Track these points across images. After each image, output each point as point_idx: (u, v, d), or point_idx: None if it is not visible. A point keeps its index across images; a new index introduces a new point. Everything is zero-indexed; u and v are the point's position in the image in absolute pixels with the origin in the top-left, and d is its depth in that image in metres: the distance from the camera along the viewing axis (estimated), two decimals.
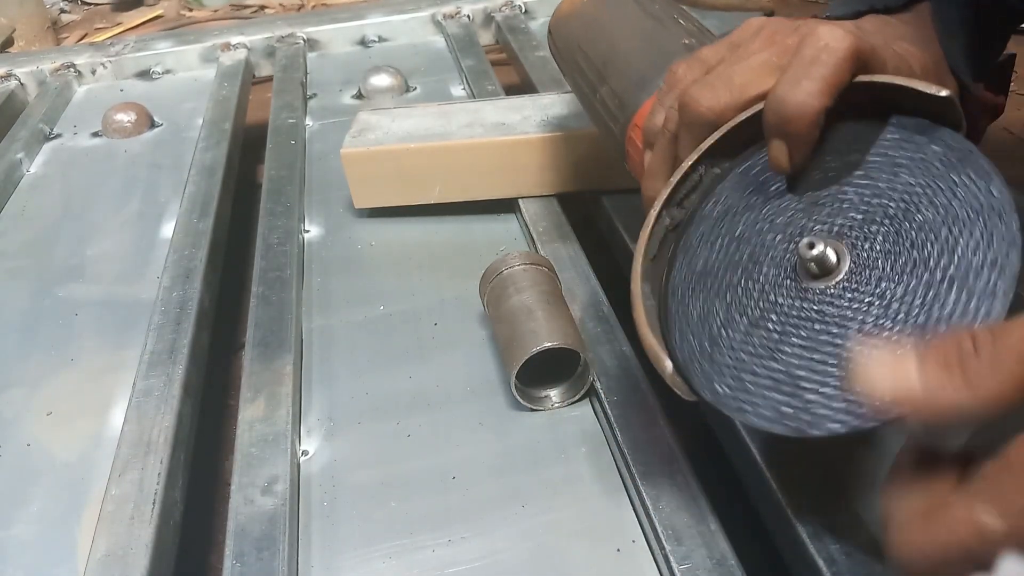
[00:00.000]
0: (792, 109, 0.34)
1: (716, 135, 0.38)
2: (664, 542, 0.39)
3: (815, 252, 0.33)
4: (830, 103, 0.35)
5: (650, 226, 0.39)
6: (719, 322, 0.36)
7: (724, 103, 0.38)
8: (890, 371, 0.26)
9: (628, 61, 0.50)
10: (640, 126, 0.45)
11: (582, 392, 0.49)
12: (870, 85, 0.35)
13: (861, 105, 0.36)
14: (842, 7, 0.50)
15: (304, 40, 1.07)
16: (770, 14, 0.95)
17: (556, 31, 0.59)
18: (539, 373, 0.49)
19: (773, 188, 0.38)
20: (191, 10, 1.96)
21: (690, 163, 0.39)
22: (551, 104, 0.70)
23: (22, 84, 1.05)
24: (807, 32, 0.35)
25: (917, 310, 0.31)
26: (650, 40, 0.51)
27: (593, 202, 0.69)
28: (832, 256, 0.33)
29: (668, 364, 0.35)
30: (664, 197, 0.39)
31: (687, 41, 0.49)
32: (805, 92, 0.34)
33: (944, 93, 0.33)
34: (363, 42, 1.08)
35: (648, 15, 0.52)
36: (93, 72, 1.06)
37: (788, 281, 0.35)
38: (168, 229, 0.71)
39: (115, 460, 0.48)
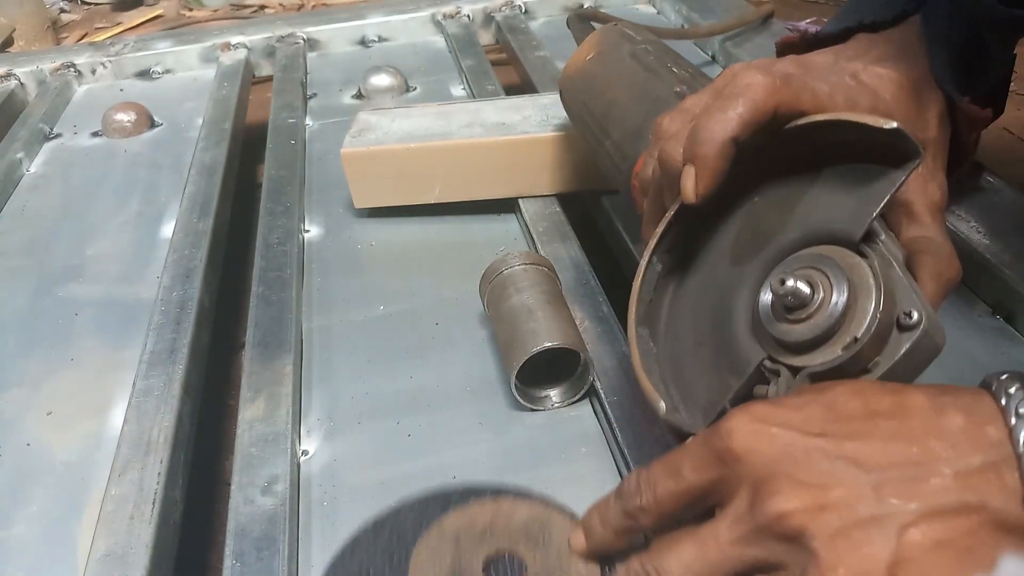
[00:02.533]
0: (702, 135, 0.37)
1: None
2: None
3: (788, 286, 0.35)
4: (740, 135, 0.37)
5: (642, 272, 0.41)
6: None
7: None
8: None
9: (625, 113, 0.53)
10: (638, 176, 0.47)
11: (582, 392, 0.49)
12: (819, 125, 0.37)
13: (822, 150, 0.38)
14: (833, 24, 0.51)
15: (304, 40, 1.07)
16: (771, 15, 0.95)
17: (564, 90, 0.62)
18: (539, 373, 0.49)
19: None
20: (191, 10, 1.96)
21: (672, 213, 0.41)
22: (551, 104, 0.70)
23: (22, 84, 1.05)
24: (733, 73, 0.38)
25: None
26: (644, 91, 0.53)
27: (593, 202, 0.69)
28: (805, 288, 0.35)
29: (662, 405, 0.38)
30: (652, 246, 0.42)
31: (678, 89, 0.51)
32: (716, 122, 0.37)
33: (890, 125, 0.35)
34: (363, 42, 1.08)
35: (643, 67, 0.55)
36: (93, 72, 1.06)
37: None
38: (168, 229, 0.71)
39: (115, 460, 0.48)
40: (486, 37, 1.08)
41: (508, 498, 0.42)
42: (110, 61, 1.05)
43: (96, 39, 1.76)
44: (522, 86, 0.96)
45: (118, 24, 1.91)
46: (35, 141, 0.90)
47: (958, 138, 0.48)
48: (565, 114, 0.68)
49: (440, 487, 0.45)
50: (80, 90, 1.04)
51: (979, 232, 0.57)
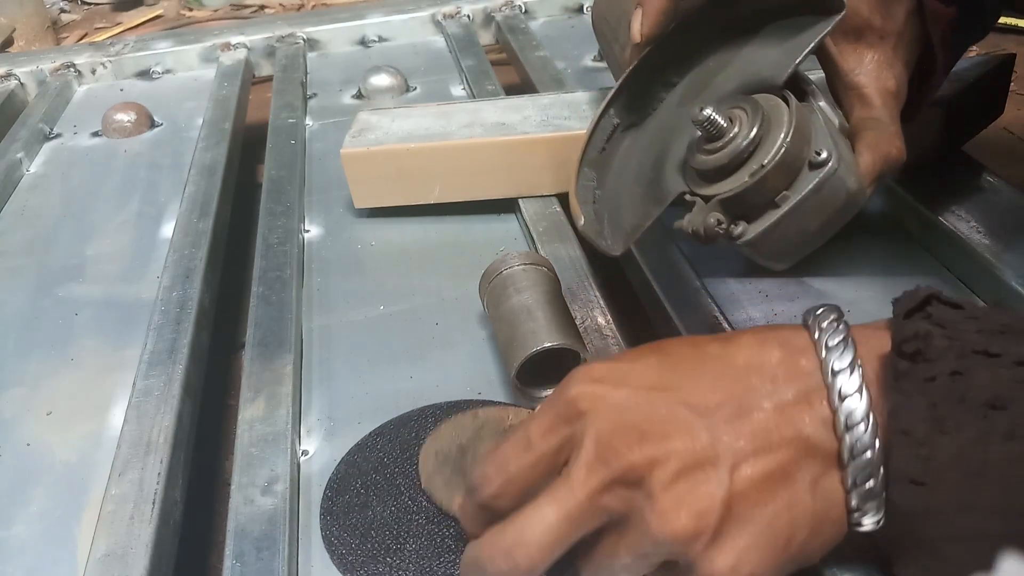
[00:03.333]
0: None
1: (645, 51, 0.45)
2: None
3: (705, 114, 0.39)
4: None
5: (595, 120, 0.45)
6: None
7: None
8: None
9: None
10: None
11: None
12: None
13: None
14: None
15: (304, 40, 1.07)
16: None
17: (593, 10, 0.66)
18: (539, 373, 0.49)
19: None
20: (191, 10, 1.96)
21: (630, 69, 0.45)
22: (551, 104, 0.70)
23: (22, 84, 1.05)
24: None
25: None
26: None
27: None
28: (720, 118, 0.39)
29: (581, 219, 0.41)
30: (609, 98, 0.45)
31: None
32: None
33: None
34: (363, 42, 1.08)
35: None
36: (93, 72, 1.06)
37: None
38: (168, 229, 0.71)
39: (115, 460, 0.48)
40: (486, 37, 1.08)
41: None
42: (110, 61, 1.05)
43: (96, 39, 1.76)
44: (522, 86, 0.96)
45: (118, 24, 1.91)
46: (35, 141, 0.90)
47: (925, 35, 0.50)
48: (565, 113, 0.68)
49: (465, 400, 0.50)
50: (80, 90, 1.04)
51: (979, 232, 0.57)
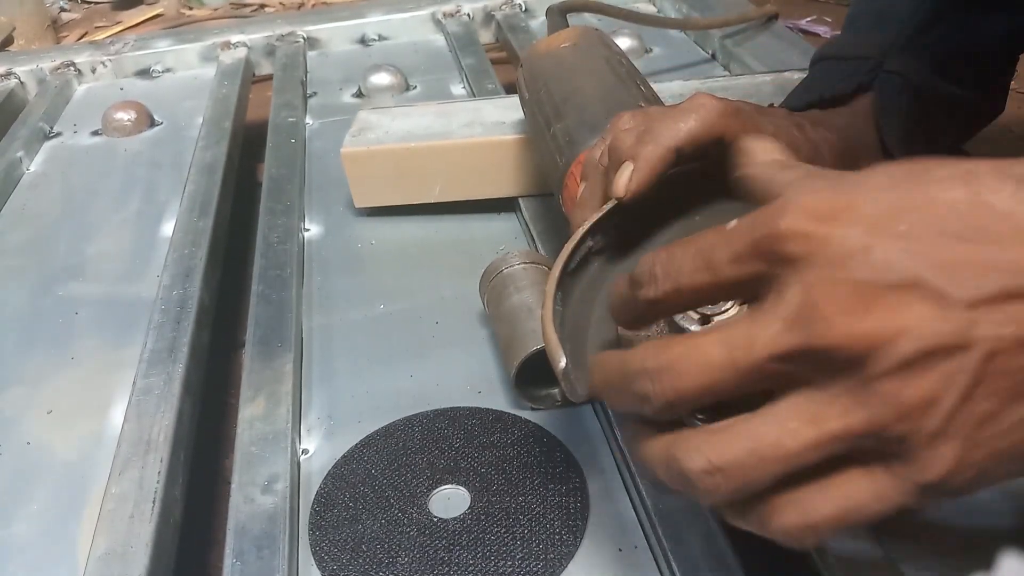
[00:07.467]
0: (648, 138, 0.39)
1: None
2: (664, 541, 0.39)
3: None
4: (684, 147, 0.38)
5: (573, 245, 0.41)
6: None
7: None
8: None
9: (586, 105, 0.54)
10: (582, 162, 0.48)
11: None
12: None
13: None
14: (795, 99, 0.54)
15: (304, 38, 1.07)
16: (774, 17, 0.95)
17: (528, 64, 0.62)
18: (540, 372, 0.49)
19: None
20: (191, 8, 1.96)
21: (616, 203, 0.42)
22: None
23: (22, 83, 1.05)
24: (694, 96, 0.40)
25: None
26: (610, 93, 0.54)
27: None
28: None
29: (563, 361, 0.37)
30: (590, 224, 0.42)
31: (642, 104, 0.53)
32: (666, 128, 0.38)
33: None
34: (363, 40, 1.08)
35: (614, 74, 0.56)
36: (93, 71, 1.05)
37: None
38: (168, 228, 0.71)
39: (115, 458, 0.48)
40: (486, 36, 1.08)
41: None
42: (110, 60, 1.05)
43: (96, 38, 1.76)
44: None
45: (118, 23, 1.91)
46: (35, 140, 0.90)
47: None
48: None
49: (452, 408, 0.50)
50: (80, 89, 1.04)
51: None
